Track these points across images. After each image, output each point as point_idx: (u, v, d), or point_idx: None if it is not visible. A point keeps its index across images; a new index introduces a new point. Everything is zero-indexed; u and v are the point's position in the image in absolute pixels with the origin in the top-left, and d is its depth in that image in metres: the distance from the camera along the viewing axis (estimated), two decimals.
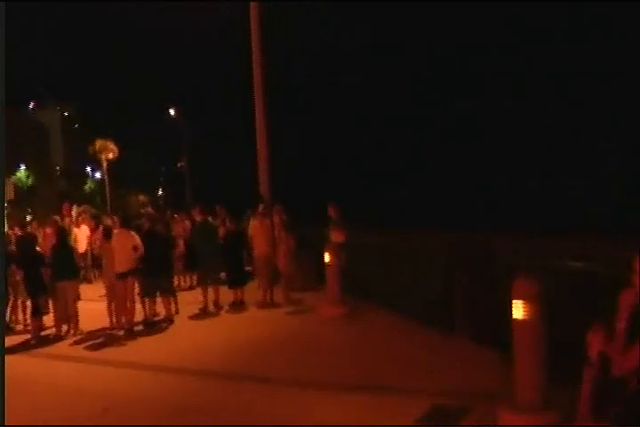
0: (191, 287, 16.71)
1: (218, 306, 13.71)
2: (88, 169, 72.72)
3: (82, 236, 19.10)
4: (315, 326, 11.91)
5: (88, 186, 69.33)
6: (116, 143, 47.91)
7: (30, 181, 51.94)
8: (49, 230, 14.70)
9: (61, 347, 11.40)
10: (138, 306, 12.58)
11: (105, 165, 45.65)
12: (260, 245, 14.18)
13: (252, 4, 17.83)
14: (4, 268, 11.27)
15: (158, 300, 12.75)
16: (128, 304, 12.13)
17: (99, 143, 45.02)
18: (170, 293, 12.84)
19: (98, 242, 18.46)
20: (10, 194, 36.05)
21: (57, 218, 15.20)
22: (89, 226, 19.64)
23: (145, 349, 10.89)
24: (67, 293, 12.06)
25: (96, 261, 18.59)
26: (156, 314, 12.84)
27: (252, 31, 17.97)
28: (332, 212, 14.35)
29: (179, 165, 56.09)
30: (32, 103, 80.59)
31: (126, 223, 12.57)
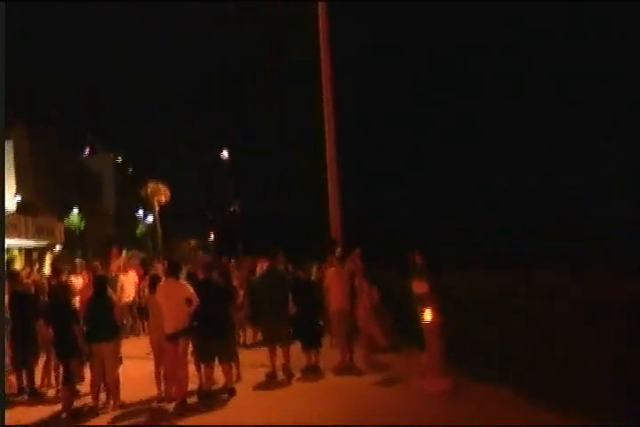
0: (253, 344, 14.11)
1: (288, 372, 11.08)
2: (140, 213, 71.19)
3: (129, 283, 16.82)
4: (410, 402, 9.20)
5: (139, 230, 67.67)
6: (168, 187, 46.05)
7: (82, 225, 50.19)
8: (87, 279, 12.29)
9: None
10: (192, 371, 10.05)
11: (157, 208, 43.63)
12: (336, 298, 11.56)
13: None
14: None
15: (217, 365, 10.11)
16: (180, 371, 9.59)
17: (150, 186, 43.08)
18: (231, 357, 10.24)
19: (146, 290, 16.37)
20: (60, 236, 34.42)
21: (96, 264, 12.77)
22: (137, 272, 17.38)
23: None
24: (104, 356, 9.56)
25: (144, 312, 16.42)
26: (213, 382, 10.18)
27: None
28: (417, 259, 11.74)
29: (231, 209, 54.02)
30: (87, 150, 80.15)
31: (173, 271, 9.96)
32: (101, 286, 9.89)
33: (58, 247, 36.77)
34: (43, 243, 32.46)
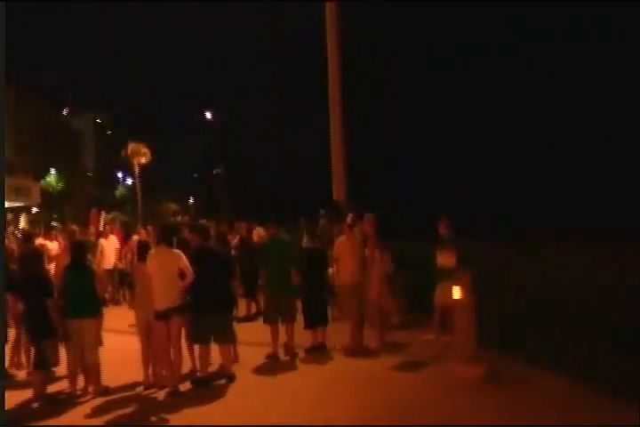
0: (248, 318, 12.67)
1: (291, 352, 9.66)
2: (119, 175, 69.14)
3: (110, 248, 15.29)
4: (438, 393, 7.78)
5: (119, 191, 65.71)
6: (150, 148, 44.23)
7: (60, 186, 48.31)
8: (64, 245, 10.64)
9: (73, 420, 7.38)
10: (184, 353, 8.59)
11: (137, 169, 41.90)
12: (348, 269, 10.08)
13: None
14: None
15: (213, 345, 8.63)
16: (172, 354, 8.13)
17: (131, 147, 41.37)
18: (230, 337, 8.73)
19: (129, 256, 14.95)
20: (36, 197, 32.67)
21: (73, 228, 11.09)
22: (119, 237, 15.82)
23: None
24: (84, 335, 8.06)
25: (126, 279, 15.01)
26: (209, 365, 8.69)
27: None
28: (443, 228, 10.34)
29: (214, 171, 52.17)
30: (66, 109, 77.61)
31: (167, 237, 8.41)
32: (80, 252, 8.32)
33: (34, 209, 35.08)
34: (18, 204, 30.74)
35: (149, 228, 16.47)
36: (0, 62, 7.72)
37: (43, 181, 43.85)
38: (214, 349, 8.64)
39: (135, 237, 16.07)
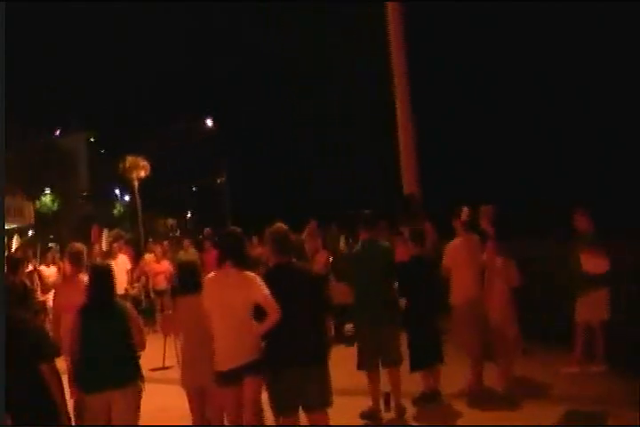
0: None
1: (398, 407, 6.58)
2: (117, 192, 65.97)
3: (120, 271, 12.08)
4: None
5: (117, 209, 62.52)
6: (148, 162, 41.35)
7: (56, 206, 45.21)
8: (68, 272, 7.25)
9: None
10: None
11: (136, 183, 38.93)
12: (463, 283, 7.05)
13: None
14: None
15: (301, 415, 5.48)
16: None
17: (129, 160, 38.35)
18: (328, 400, 5.32)
19: (143, 279, 12.25)
20: (30, 218, 29.85)
21: (80, 246, 7.46)
22: (129, 256, 12.84)
23: None
24: (112, 416, 4.91)
25: (139, 308, 12.29)
26: None
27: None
28: (581, 223, 7.40)
29: (218, 181, 49.03)
30: (58, 130, 74.57)
31: (237, 252, 5.03)
32: (105, 286, 5.13)
33: (30, 232, 32.26)
34: (11, 225, 27.85)
35: (165, 243, 13.60)
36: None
37: (37, 202, 40.94)
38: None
39: (149, 257, 13.32)
